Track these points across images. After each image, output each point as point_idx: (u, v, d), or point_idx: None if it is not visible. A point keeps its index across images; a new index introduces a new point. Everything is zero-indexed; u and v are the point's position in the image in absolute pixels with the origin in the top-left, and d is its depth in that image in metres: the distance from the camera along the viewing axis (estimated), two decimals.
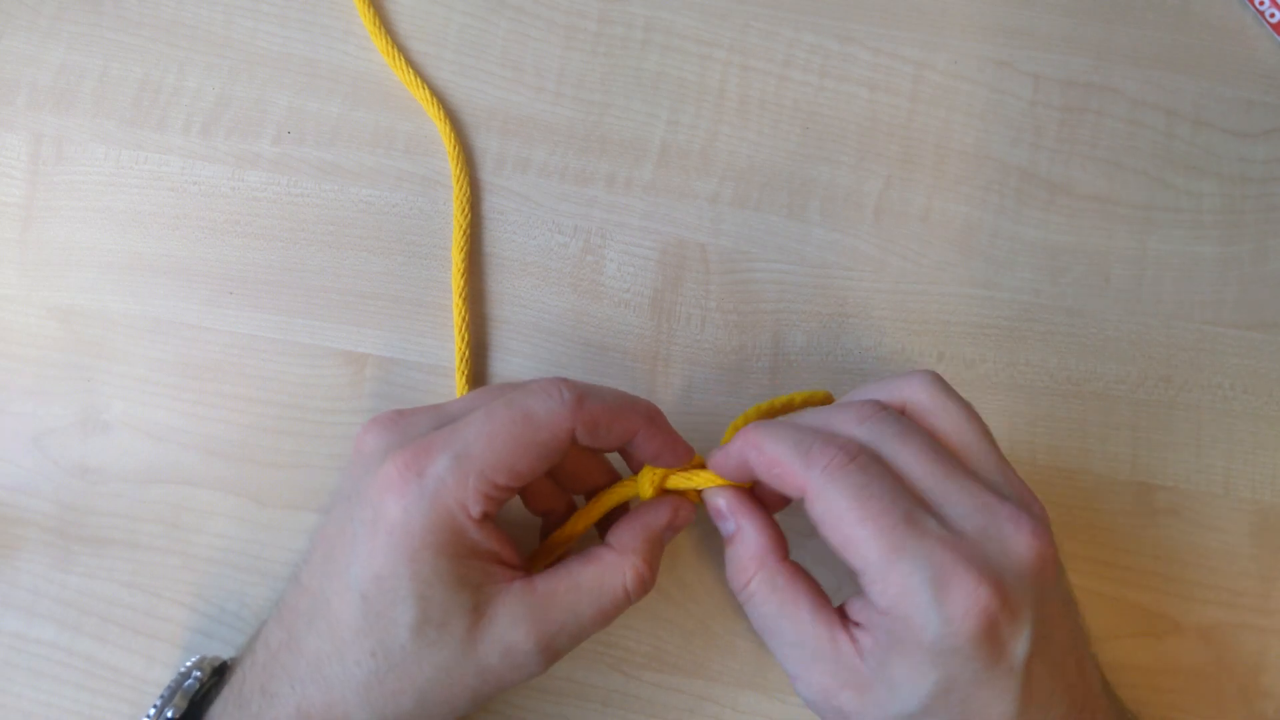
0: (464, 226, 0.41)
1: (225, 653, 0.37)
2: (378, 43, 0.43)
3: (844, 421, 0.31)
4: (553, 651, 0.31)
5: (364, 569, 0.30)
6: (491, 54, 0.44)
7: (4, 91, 0.43)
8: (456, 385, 0.40)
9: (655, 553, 0.33)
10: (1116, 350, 0.41)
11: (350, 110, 0.43)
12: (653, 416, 0.33)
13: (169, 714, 0.32)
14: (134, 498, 0.40)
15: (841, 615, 0.31)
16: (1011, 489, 0.31)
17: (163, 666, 0.38)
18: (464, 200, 0.41)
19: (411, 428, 0.32)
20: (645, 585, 0.32)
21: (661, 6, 0.44)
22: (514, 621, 0.31)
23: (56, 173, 0.42)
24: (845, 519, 0.29)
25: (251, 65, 0.43)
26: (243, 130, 0.43)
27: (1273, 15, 0.43)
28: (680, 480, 0.34)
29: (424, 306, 0.41)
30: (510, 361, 0.41)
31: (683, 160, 0.43)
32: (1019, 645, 0.29)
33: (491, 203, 0.42)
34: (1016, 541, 0.29)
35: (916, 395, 0.32)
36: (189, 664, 0.35)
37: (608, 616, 0.32)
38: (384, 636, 0.30)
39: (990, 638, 0.28)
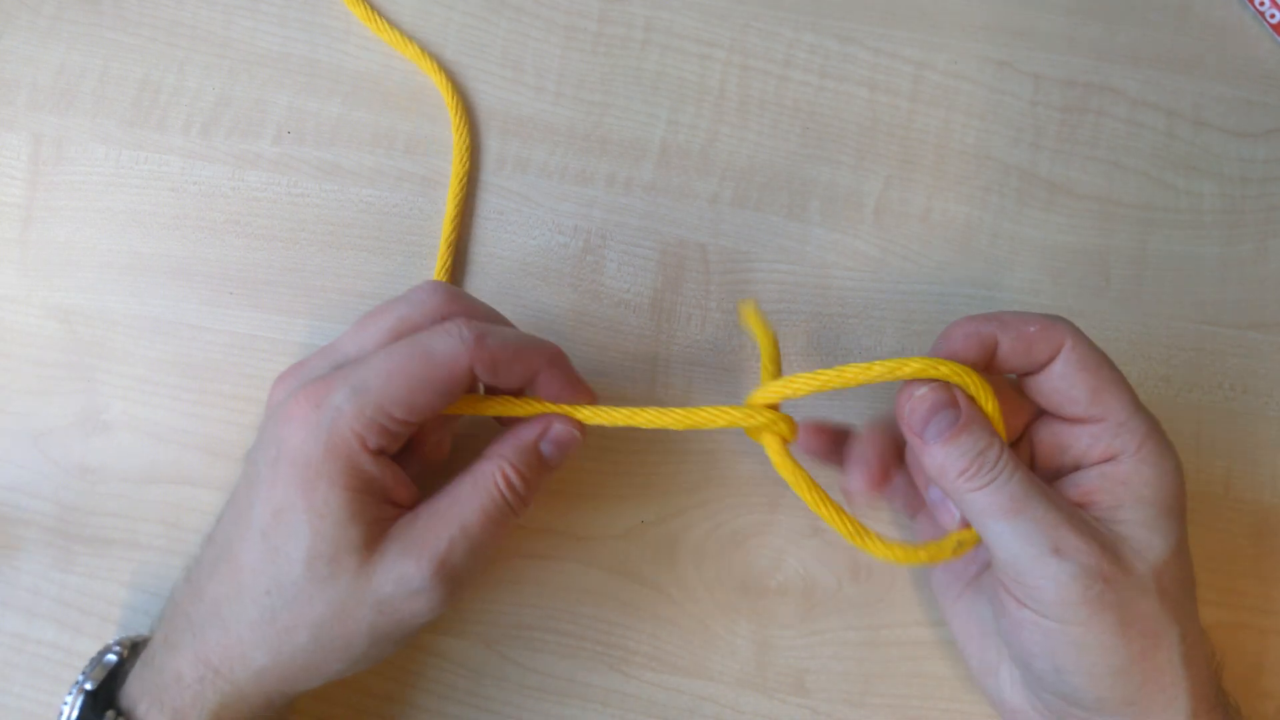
0: (460, 176, 0.41)
1: None
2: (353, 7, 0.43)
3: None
4: (448, 571, 0.31)
5: (264, 505, 0.31)
6: (491, 54, 0.44)
7: (4, 91, 0.43)
8: None
9: (527, 460, 0.33)
10: (1116, 350, 0.41)
11: (350, 110, 0.43)
12: (555, 358, 0.34)
13: (87, 686, 0.32)
14: (134, 498, 0.40)
15: None
16: None
17: None
18: (463, 148, 0.42)
19: (311, 370, 0.33)
20: (515, 487, 0.32)
21: (661, 6, 0.44)
22: (403, 550, 0.31)
23: (56, 173, 0.42)
24: (1105, 364, 0.33)
25: (251, 65, 0.43)
26: (243, 130, 0.43)
27: (1273, 15, 0.43)
28: (810, 381, 0.33)
29: None
30: None
31: (683, 160, 0.43)
32: None
33: (491, 203, 0.42)
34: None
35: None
36: (113, 641, 0.35)
37: (493, 521, 0.32)
38: (278, 572, 0.30)
39: None
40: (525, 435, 0.34)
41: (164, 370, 0.41)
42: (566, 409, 0.34)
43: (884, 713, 0.38)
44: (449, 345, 0.31)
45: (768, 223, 0.42)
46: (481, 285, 0.42)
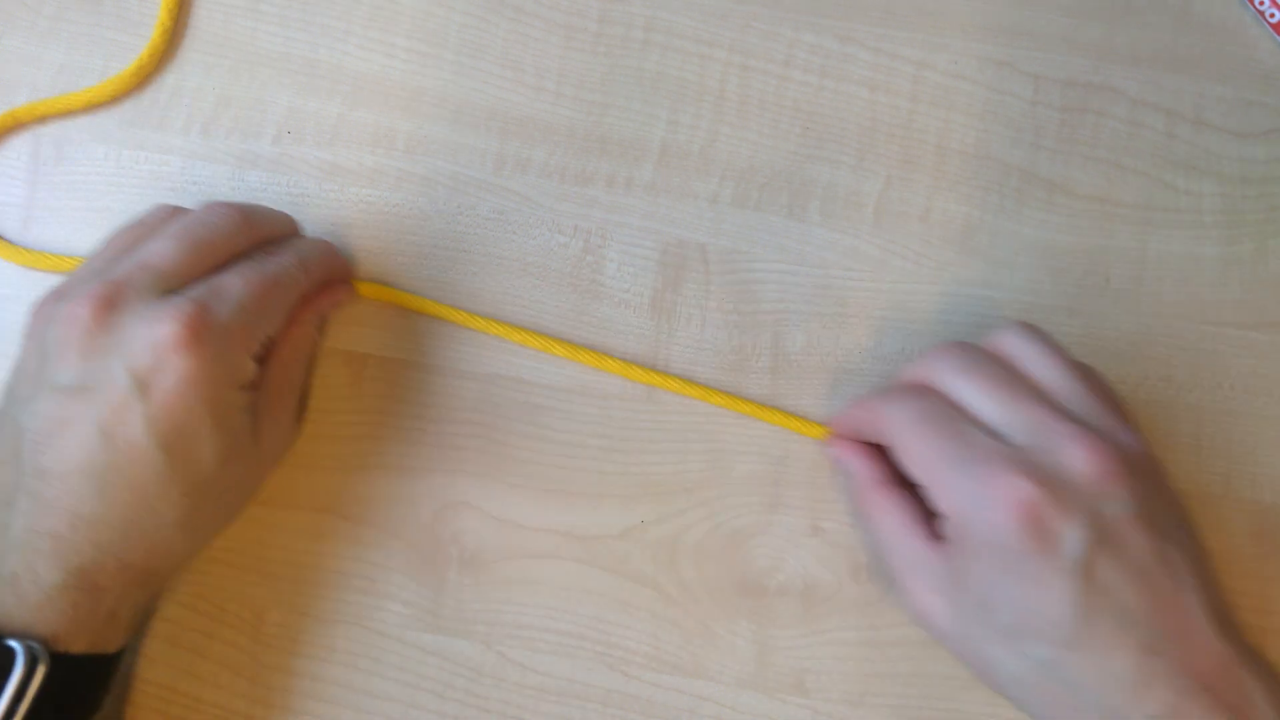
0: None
1: (230, 654, 0.37)
2: None
3: (924, 364, 0.36)
4: (302, 408, 0.40)
5: (157, 426, 0.32)
6: (491, 54, 0.44)
7: (4, 91, 0.43)
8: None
9: (322, 319, 0.41)
10: (1116, 350, 0.41)
11: (350, 110, 0.43)
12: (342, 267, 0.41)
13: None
14: None
15: (934, 532, 0.34)
16: (1100, 419, 0.33)
17: (164, 667, 0.38)
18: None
19: (131, 285, 0.33)
20: (317, 343, 0.41)
21: (661, 6, 0.44)
22: (274, 417, 0.37)
23: (56, 173, 0.42)
24: (910, 445, 0.34)
25: (251, 65, 0.43)
26: (243, 130, 0.43)
27: (1273, 15, 0.43)
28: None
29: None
30: (514, 362, 0.41)
31: (683, 160, 0.43)
32: (1071, 543, 0.30)
33: (491, 203, 0.42)
34: (1069, 453, 0.31)
35: (1007, 344, 0.35)
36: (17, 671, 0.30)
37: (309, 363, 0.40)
38: (191, 474, 0.33)
39: (1036, 529, 0.30)
40: (322, 303, 0.39)
41: None
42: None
43: (884, 713, 0.38)
44: (297, 280, 0.37)
45: (768, 223, 0.42)
46: (482, 285, 0.42)
